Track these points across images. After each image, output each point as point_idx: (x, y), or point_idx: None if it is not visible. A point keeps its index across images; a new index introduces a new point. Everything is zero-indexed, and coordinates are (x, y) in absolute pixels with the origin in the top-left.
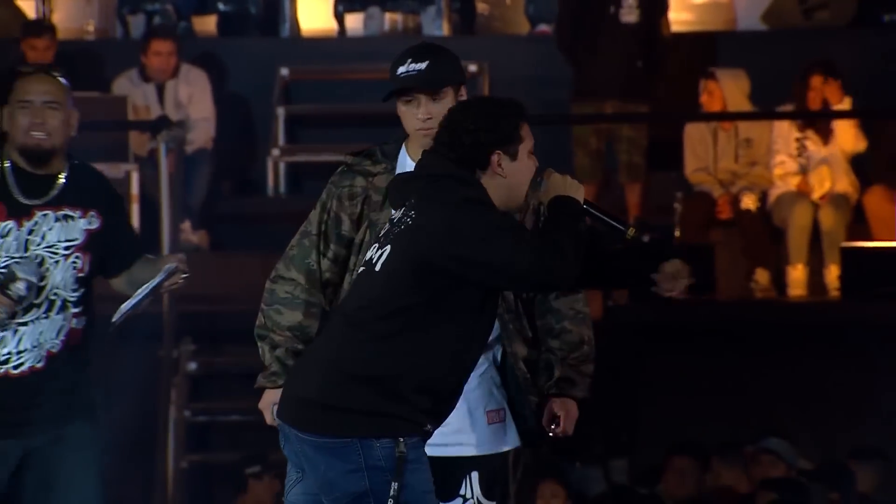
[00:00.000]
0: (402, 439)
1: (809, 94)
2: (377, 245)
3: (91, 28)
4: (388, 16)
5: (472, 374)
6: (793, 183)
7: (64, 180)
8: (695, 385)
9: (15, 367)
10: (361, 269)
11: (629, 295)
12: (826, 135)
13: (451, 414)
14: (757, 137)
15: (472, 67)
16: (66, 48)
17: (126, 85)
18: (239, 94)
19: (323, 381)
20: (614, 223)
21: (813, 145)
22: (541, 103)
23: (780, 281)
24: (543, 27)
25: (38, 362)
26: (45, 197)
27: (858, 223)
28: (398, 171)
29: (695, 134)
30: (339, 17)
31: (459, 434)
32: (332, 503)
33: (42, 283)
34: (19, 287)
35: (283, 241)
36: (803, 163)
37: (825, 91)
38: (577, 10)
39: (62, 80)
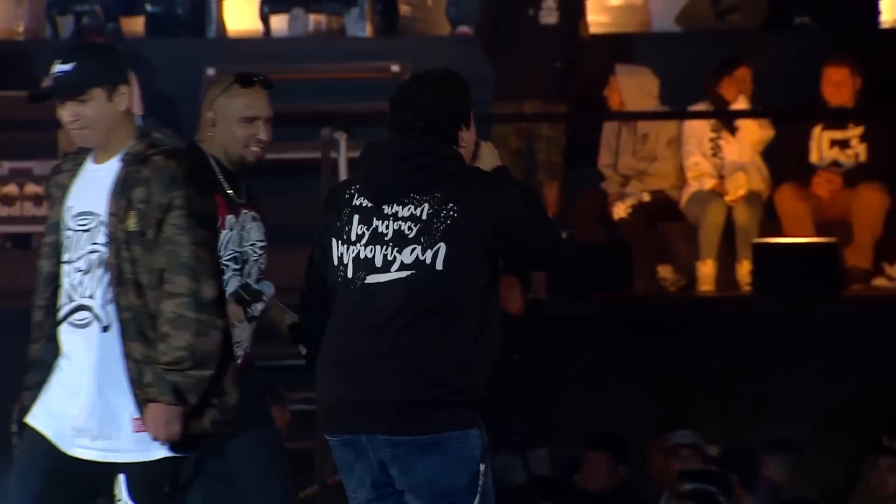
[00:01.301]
0: (482, 425)
1: (724, 92)
2: (416, 245)
3: (21, 29)
4: (312, 17)
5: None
6: (708, 185)
7: (246, 185)
8: (613, 377)
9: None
10: (407, 272)
11: (547, 289)
12: (734, 129)
13: (97, 418)
14: (653, 133)
15: (395, 68)
16: None
17: None
18: (166, 93)
19: (413, 379)
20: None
21: (727, 144)
22: None
23: (690, 275)
24: (464, 28)
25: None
26: (242, 197)
27: (770, 220)
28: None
29: (608, 130)
30: (265, 19)
31: (107, 440)
32: (429, 498)
33: (248, 279)
34: (258, 307)
35: None
36: (718, 163)
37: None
38: (498, 12)
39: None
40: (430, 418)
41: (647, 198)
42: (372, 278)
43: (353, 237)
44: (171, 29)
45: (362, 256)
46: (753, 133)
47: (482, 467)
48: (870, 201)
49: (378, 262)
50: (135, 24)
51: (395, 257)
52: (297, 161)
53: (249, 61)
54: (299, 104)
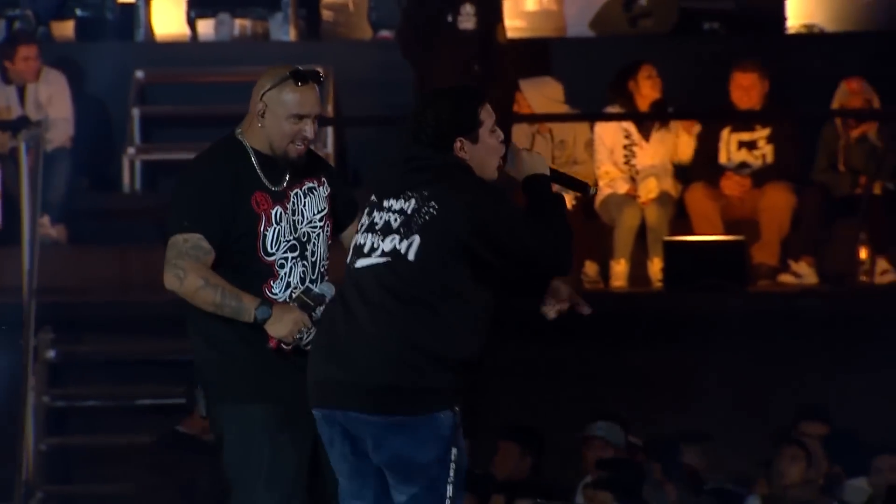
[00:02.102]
0: (456, 408)
1: (640, 87)
2: (396, 235)
3: None
4: (237, 22)
5: None
6: (621, 189)
7: (287, 166)
8: (533, 371)
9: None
10: (383, 259)
11: None
12: (648, 134)
13: None
14: (570, 139)
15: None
16: None
17: None
18: (96, 95)
19: (387, 362)
20: (578, 185)
21: (640, 150)
22: (383, 105)
23: (605, 272)
24: (385, 33)
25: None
26: (288, 176)
27: (680, 218)
28: None
29: (520, 135)
30: (192, 23)
31: None
32: (399, 476)
33: (313, 258)
34: (321, 311)
35: (138, 236)
36: (630, 169)
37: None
38: (417, 17)
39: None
40: (399, 401)
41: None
42: (359, 262)
43: (360, 226)
44: (101, 33)
45: (358, 242)
46: (682, 153)
47: (454, 450)
48: (776, 200)
49: (366, 249)
50: (65, 29)
51: (378, 245)
52: None
53: (177, 65)
54: (226, 105)
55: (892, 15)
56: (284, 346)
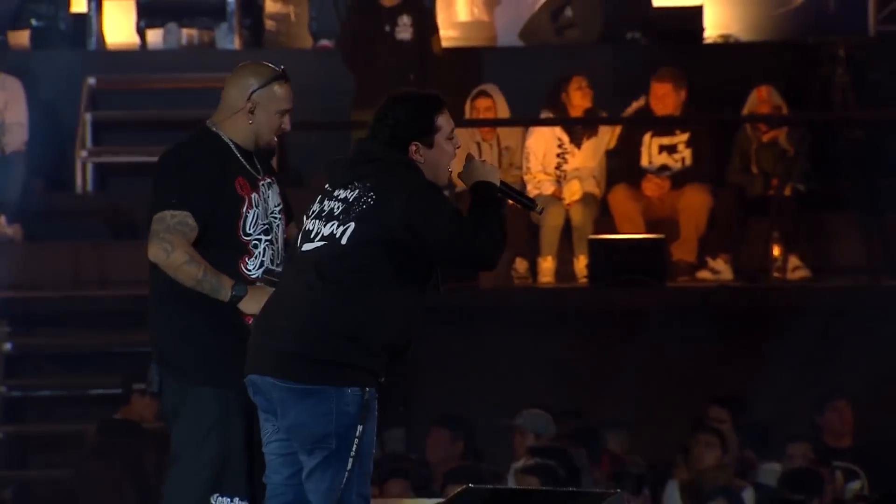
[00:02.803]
0: (367, 389)
1: (571, 98)
2: (336, 221)
3: None
4: (184, 31)
5: None
6: (547, 190)
7: (256, 158)
8: (465, 362)
9: None
10: (321, 243)
11: None
12: (580, 142)
13: None
14: (514, 145)
15: None
16: None
17: None
18: (50, 101)
19: (303, 334)
20: (525, 201)
21: (571, 157)
22: (323, 111)
23: (533, 269)
24: (325, 42)
25: None
26: (256, 169)
27: (604, 218)
28: None
29: (465, 142)
30: (141, 32)
31: None
32: (300, 442)
33: (277, 245)
34: None
35: (91, 234)
36: (559, 175)
37: (580, 99)
38: (356, 27)
39: None
40: (308, 370)
41: None
42: (305, 247)
43: (310, 212)
44: (54, 42)
45: (306, 228)
46: (603, 142)
47: (359, 428)
48: (694, 201)
49: (312, 234)
50: (20, 38)
51: (319, 230)
52: None
53: (127, 71)
54: (173, 111)
55: (801, 26)
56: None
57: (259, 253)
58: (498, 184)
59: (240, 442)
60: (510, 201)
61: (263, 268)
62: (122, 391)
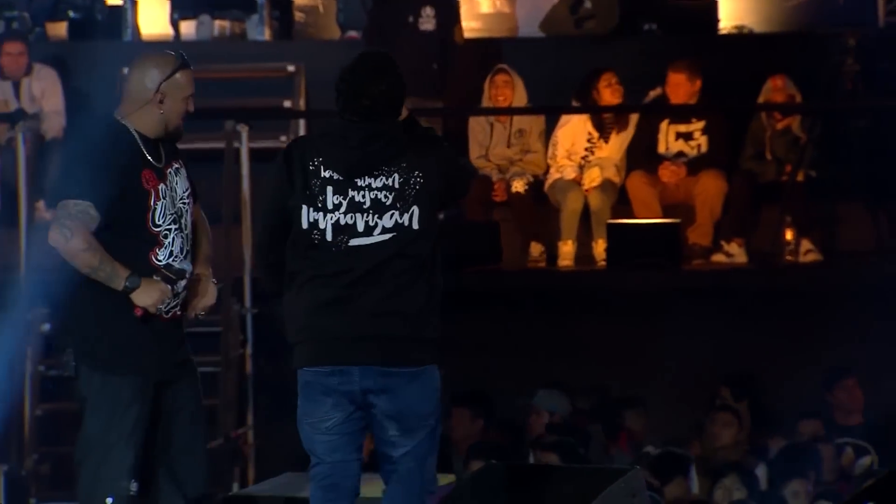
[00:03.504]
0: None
1: (601, 95)
2: (393, 210)
3: None
4: (217, 23)
5: None
6: (569, 175)
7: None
8: (485, 343)
9: (179, 308)
10: (390, 234)
11: None
12: (609, 136)
13: None
14: (529, 128)
15: (290, 68)
16: None
17: None
18: (85, 90)
19: (408, 319)
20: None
21: (598, 150)
22: None
23: (551, 253)
24: (352, 33)
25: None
26: (163, 158)
27: (622, 203)
28: None
29: (476, 126)
30: (175, 24)
31: None
32: (406, 423)
33: (186, 230)
34: (181, 284)
35: None
36: (582, 164)
37: (610, 96)
38: (382, 18)
39: None
40: (418, 352)
41: (530, 179)
42: (355, 241)
43: (330, 206)
44: (91, 33)
45: (342, 223)
46: (630, 136)
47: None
48: (710, 187)
49: (360, 228)
50: (58, 29)
51: (376, 223)
52: (204, 151)
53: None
54: (205, 100)
55: (813, 18)
56: (148, 315)
57: (169, 243)
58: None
59: (142, 428)
60: None
61: (172, 257)
62: None
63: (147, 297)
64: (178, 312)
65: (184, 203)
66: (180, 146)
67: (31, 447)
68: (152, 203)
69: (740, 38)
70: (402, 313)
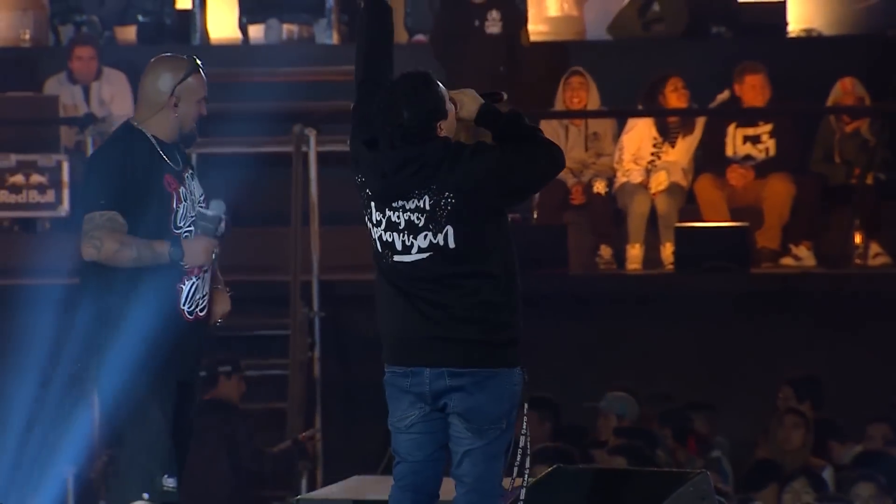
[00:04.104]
0: (525, 367)
1: (668, 100)
2: (427, 231)
3: (27, 36)
4: (285, 26)
5: None
6: (635, 179)
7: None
8: (555, 346)
9: (202, 310)
10: (427, 254)
11: None
12: (675, 141)
13: None
14: (602, 132)
15: None
16: (4, 54)
17: (56, 86)
18: None
19: (470, 325)
20: (494, 98)
21: (665, 154)
22: None
23: (620, 256)
24: (420, 37)
25: (207, 303)
26: (180, 163)
27: (690, 206)
28: None
29: (548, 129)
30: (243, 28)
31: None
32: (476, 423)
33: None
34: (223, 227)
35: None
36: (649, 168)
37: (676, 101)
38: (448, 22)
39: None
40: (487, 356)
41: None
42: (397, 258)
43: (375, 220)
44: (160, 37)
45: (384, 239)
46: (696, 140)
47: (525, 406)
48: (778, 190)
49: (398, 246)
50: (127, 33)
51: (412, 243)
52: (272, 154)
53: (230, 65)
54: (273, 103)
55: (882, 20)
56: (202, 271)
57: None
58: (482, 100)
59: (170, 423)
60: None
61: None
62: (207, 374)
63: (196, 257)
64: (201, 314)
65: (202, 206)
66: (251, 148)
67: (99, 450)
68: (175, 205)
69: (809, 40)
70: (470, 317)
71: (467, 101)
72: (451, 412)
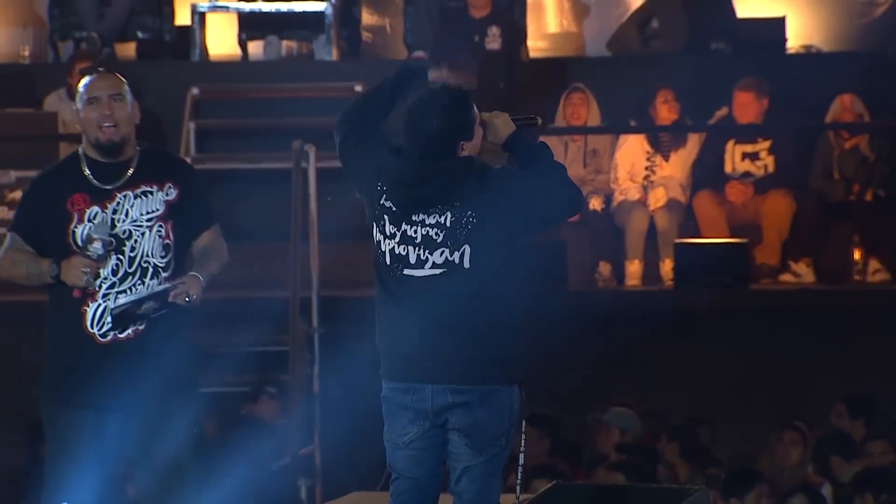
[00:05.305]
0: (520, 384)
1: (658, 112)
2: (444, 248)
3: (26, 53)
4: (284, 43)
5: None
6: (633, 196)
7: (136, 164)
8: (554, 362)
9: (121, 332)
10: (440, 270)
11: None
12: (668, 154)
13: None
14: (602, 148)
15: (358, 87)
16: (3, 70)
17: (56, 102)
18: (155, 110)
19: (472, 344)
20: (531, 120)
21: (660, 169)
22: None
23: (619, 272)
24: (419, 53)
25: (140, 325)
26: (122, 180)
27: (689, 222)
28: None
29: (551, 142)
30: (243, 44)
31: None
32: (476, 440)
33: (132, 253)
34: (96, 247)
35: None
36: (645, 184)
37: (667, 112)
38: (448, 38)
39: (120, 77)
40: (490, 373)
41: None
42: (408, 272)
43: (388, 232)
44: (160, 53)
45: (397, 252)
46: (692, 154)
47: (524, 424)
48: (777, 206)
49: (412, 260)
50: (127, 49)
51: (427, 257)
52: (271, 170)
53: (229, 82)
54: (273, 119)
55: (882, 36)
56: (91, 288)
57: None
58: (514, 126)
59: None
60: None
61: (101, 279)
62: (252, 390)
63: (68, 275)
64: (121, 336)
65: (136, 226)
66: (250, 164)
67: None
68: (74, 225)
69: (809, 56)
70: (475, 335)
71: (499, 126)
72: (451, 428)
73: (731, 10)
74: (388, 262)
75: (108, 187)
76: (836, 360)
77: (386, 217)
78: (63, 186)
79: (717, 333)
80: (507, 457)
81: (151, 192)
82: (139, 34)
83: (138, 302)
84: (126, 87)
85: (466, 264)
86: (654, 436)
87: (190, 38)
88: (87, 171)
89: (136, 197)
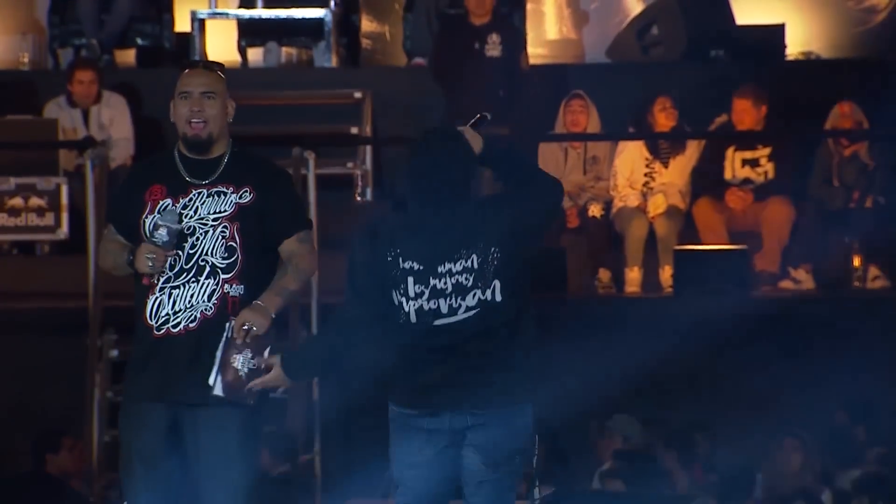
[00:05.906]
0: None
1: (656, 119)
2: (476, 290)
3: (26, 60)
4: (284, 50)
5: None
6: (632, 203)
7: (224, 164)
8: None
9: (174, 326)
10: (473, 311)
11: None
12: (667, 161)
13: None
14: (602, 155)
15: (357, 94)
16: (3, 77)
17: (55, 109)
18: (154, 117)
19: (489, 372)
20: (482, 120)
21: (658, 175)
22: (416, 126)
23: (618, 279)
24: (419, 60)
25: (192, 322)
26: (208, 178)
27: (688, 229)
28: None
29: (548, 152)
30: (242, 51)
31: None
32: (492, 457)
33: (191, 250)
34: (161, 234)
35: None
36: (645, 191)
37: (665, 119)
38: (448, 45)
39: (219, 73)
40: (509, 394)
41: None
42: (440, 321)
43: (413, 294)
44: (159, 60)
45: (426, 308)
46: (691, 160)
47: (532, 436)
48: (777, 213)
49: (444, 310)
50: (127, 56)
51: (459, 304)
52: None
53: (229, 88)
54: (272, 126)
55: (881, 43)
56: (155, 280)
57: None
58: (482, 137)
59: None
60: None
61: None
62: None
63: (139, 264)
64: (174, 331)
65: (202, 223)
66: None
67: (98, 474)
68: (144, 216)
69: (808, 64)
70: (501, 361)
71: (471, 141)
72: (466, 444)
73: (731, 18)
74: (415, 321)
75: (188, 182)
76: (836, 366)
77: (410, 279)
78: (150, 177)
79: (716, 340)
80: (521, 472)
81: (225, 193)
82: (139, 41)
83: (224, 366)
84: (221, 86)
85: (498, 298)
86: (653, 443)
87: (190, 44)
88: (180, 165)
89: (209, 195)
